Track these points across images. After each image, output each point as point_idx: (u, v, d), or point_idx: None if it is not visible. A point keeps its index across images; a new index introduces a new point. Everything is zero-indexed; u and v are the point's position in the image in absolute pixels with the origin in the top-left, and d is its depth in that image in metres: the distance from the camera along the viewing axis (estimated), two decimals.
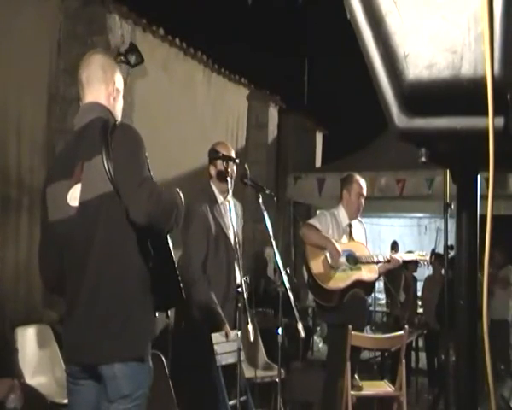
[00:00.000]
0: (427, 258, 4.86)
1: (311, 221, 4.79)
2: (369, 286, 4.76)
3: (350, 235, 4.73)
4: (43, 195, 2.47)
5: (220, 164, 3.77)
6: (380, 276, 5.00)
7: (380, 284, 9.76)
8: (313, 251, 4.63)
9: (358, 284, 4.58)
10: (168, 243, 2.42)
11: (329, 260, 4.56)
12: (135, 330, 2.30)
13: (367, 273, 4.63)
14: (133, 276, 2.30)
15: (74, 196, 2.32)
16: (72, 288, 2.37)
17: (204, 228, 3.77)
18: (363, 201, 4.75)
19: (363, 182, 4.78)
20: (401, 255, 4.82)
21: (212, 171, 3.88)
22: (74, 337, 2.37)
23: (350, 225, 4.75)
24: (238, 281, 3.60)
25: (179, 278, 2.44)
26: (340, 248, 4.54)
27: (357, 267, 4.60)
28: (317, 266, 4.59)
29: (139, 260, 2.30)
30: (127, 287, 2.29)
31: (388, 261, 4.69)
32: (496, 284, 7.42)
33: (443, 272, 7.69)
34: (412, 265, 8.01)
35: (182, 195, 2.43)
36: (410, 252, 5.04)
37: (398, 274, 8.35)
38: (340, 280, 4.55)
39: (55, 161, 2.60)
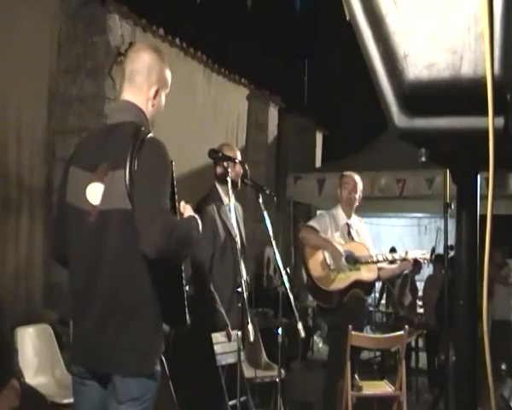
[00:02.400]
0: (428, 256, 4.84)
1: (311, 223, 4.79)
2: (368, 286, 4.75)
3: (348, 234, 4.73)
4: (66, 171, 2.42)
5: (222, 164, 3.77)
6: (386, 278, 4.98)
7: (378, 284, 9.77)
8: (312, 253, 4.63)
9: (358, 284, 4.58)
10: (180, 264, 2.38)
11: (330, 261, 4.56)
12: (146, 345, 2.29)
13: (366, 273, 4.62)
14: (144, 292, 2.27)
15: (93, 194, 2.29)
16: (82, 291, 2.34)
17: (210, 228, 3.77)
18: (354, 195, 4.71)
19: (355, 176, 4.74)
20: (414, 253, 4.74)
21: (218, 171, 3.90)
22: (86, 343, 2.33)
23: (348, 225, 4.74)
24: (245, 277, 3.59)
25: (186, 300, 2.40)
26: (341, 249, 4.55)
27: (356, 268, 4.59)
28: (315, 268, 4.60)
29: (150, 277, 2.26)
30: (139, 302, 2.27)
31: (404, 260, 4.67)
32: (496, 282, 7.42)
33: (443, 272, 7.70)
34: (416, 266, 8.03)
35: (199, 221, 2.38)
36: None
37: (403, 276, 8.37)
38: (339, 281, 4.55)
39: (82, 145, 2.50)
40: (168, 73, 2.49)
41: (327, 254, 4.59)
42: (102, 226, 2.27)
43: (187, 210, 2.43)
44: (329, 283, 4.54)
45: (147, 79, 2.40)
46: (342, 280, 4.55)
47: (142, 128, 2.32)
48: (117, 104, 2.45)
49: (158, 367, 2.34)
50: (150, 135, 2.31)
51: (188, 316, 2.42)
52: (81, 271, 2.34)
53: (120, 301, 2.27)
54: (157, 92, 2.43)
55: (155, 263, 2.22)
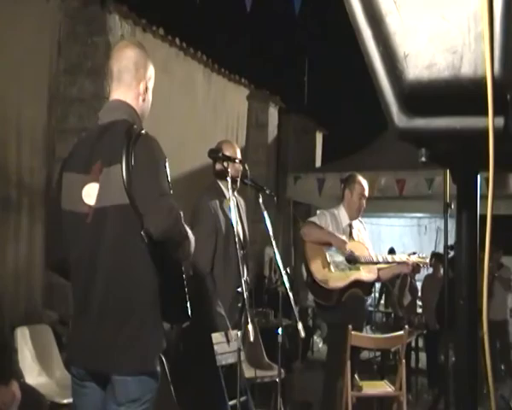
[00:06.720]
0: (427, 261, 4.85)
1: (312, 219, 4.79)
2: (367, 286, 4.75)
3: (350, 235, 4.72)
4: (60, 178, 2.42)
5: (222, 163, 3.76)
6: (385, 279, 4.98)
7: (378, 284, 9.78)
8: (313, 250, 4.62)
9: (357, 284, 4.58)
10: (180, 260, 2.37)
11: (330, 259, 4.56)
12: (146, 343, 2.27)
13: (366, 274, 4.62)
14: (144, 289, 2.26)
15: (89, 194, 2.29)
16: (81, 291, 2.34)
17: (213, 225, 3.76)
18: (364, 201, 4.72)
19: (365, 183, 4.76)
20: (413, 258, 4.73)
21: (217, 168, 3.90)
22: (85, 343, 2.33)
23: (350, 226, 4.74)
24: (245, 278, 3.58)
25: (187, 296, 2.38)
26: (346, 239, 4.54)
27: (356, 267, 4.59)
28: (316, 265, 4.59)
29: (150, 273, 2.25)
30: (138, 300, 2.26)
31: (403, 262, 4.66)
32: (496, 285, 7.38)
33: (442, 271, 7.70)
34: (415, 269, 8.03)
35: (190, 232, 2.34)
36: (413, 254, 5.00)
37: (402, 276, 8.36)
38: (339, 279, 4.55)
39: (75, 149, 2.50)
40: (152, 67, 2.52)
41: (327, 252, 4.59)
42: (99, 225, 2.27)
43: None
44: (329, 280, 4.54)
45: (135, 76, 2.43)
46: (342, 279, 4.55)
47: (135, 126, 2.33)
48: (107, 104, 2.46)
49: (158, 368, 2.32)
50: (144, 131, 2.33)
51: (190, 313, 2.40)
52: (81, 272, 2.34)
53: (118, 300, 2.26)
54: (145, 86, 2.45)
55: (152, 256, 2.21)
